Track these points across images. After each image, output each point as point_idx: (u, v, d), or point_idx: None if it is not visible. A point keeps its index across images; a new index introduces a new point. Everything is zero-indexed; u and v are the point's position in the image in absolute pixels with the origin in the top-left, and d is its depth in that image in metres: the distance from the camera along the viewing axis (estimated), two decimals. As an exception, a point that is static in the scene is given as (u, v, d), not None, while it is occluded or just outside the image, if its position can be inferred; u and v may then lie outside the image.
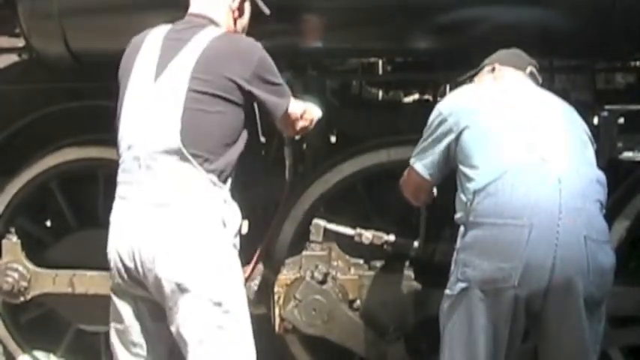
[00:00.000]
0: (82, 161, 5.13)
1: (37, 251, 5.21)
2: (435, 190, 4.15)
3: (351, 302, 4.76)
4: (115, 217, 3.72)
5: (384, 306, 4.70)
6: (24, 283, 5.08)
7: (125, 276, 3.64)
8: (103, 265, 4.93)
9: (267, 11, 4.04)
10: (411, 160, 3.94)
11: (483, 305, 3.48)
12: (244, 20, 3.96)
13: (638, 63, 5.03)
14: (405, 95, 5.81)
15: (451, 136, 3.72)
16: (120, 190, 3.72)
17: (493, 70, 4.02)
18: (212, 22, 3.79)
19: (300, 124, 3.95)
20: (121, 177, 3.73)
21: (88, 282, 5.03)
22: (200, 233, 3.55)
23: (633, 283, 4.65)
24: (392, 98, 5.92)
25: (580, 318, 3.49)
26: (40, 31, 4.68)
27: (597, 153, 4.28)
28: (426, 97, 5.53)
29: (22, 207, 5.27)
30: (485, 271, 3.45)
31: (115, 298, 3.77)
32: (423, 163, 3.88)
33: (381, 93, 5.92)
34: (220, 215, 3.60)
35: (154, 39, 3.75)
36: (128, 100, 3.70)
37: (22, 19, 4.67)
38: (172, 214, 3.52)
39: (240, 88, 3.60)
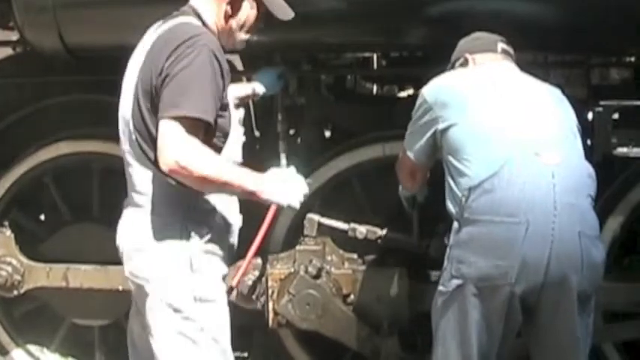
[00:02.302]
0: (76, 155, 5.12)
1: (30, 245, 5.20)
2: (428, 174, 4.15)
3: (345, 297, 4.76)
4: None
5: (378, 301, 4.69)
6: (18, 277, 5.08)
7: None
8: (97, 259, 5.01)
9: (284, 16, 3.68)
10: (404, 143, 3.97)
11: (478, 302, 3.48)
12: (240, 19, 3.56)
13: (633, 58, 5.03)
14: (400, 90, 5.81)
15: (436, 127, 3.70)
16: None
17: (466, 62, 3.98)
18: (196, 14, 3.49)
19: (170, 159, 3.19)
20: None
21: (82, 276, 5.03)
22: (162, 235, 3.38)
23: (627, 279, 4.66)
24: (387, 93, 5.91)
25: (573, 313, 3.50)
26: (34, 25, 4.67)
27: (592, 148, 4.30)
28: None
29: (16, 201, 5.27)
30: (481, 268, 3.45)
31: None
32: (412, 148, 3.89)
33: (375, 87, 5.92)
34: (182, 221, 3.38)
35: (154, 28, 3.54)
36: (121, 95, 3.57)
37: (16, 12, 4.65)
38: (141, 214, 3.42)
39: (159, 82, 3.28)
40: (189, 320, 3.37)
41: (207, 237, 3.42)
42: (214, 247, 3.47)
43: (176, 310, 3.37)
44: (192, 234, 3.38)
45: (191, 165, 3.15)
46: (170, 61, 3.22)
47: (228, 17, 3.53)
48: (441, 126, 3.68)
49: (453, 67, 4.03)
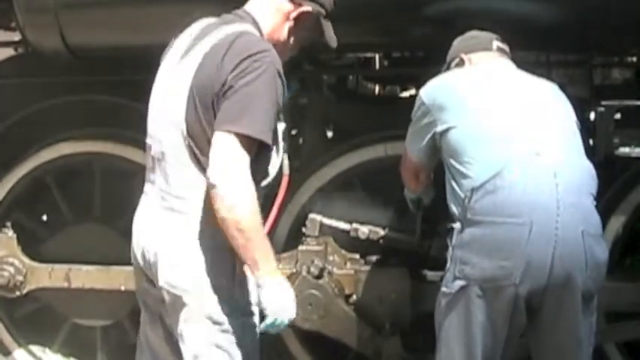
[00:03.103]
0: (78, 155, 5.12)
1: (32, 246, 5.20)
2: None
3: (347, 297, 4.76)
4: (136, 216, 3.53)
5: (381, 301, 4.69)
6: (20, 278, 5.07)
7: (143, 276, 3.48)
8: (99, 259, 5.01)
9: (333, 43, 3.60)
10: (405, 143, 3.98)
11: (482, 303, 3.46)
12: (300, 35, 3.51)
13: (635, 58, 5.03)
14: (402, 90, 5.80)
15: (435, 129, 3.69)
16: (145, 188, 3.50)
17: (462, 62, 3.96)
18: (254, 22, 3.39)
19: (216, 174, 3.11)
20: (146, 174, 3.51)
21: (84, 276, 5.02)
22: (205, 245, 3.27)
23: (629, 279, 4.65)
24: (389, 93, 5.91)
25: (576, 312, 3.49)
26: (36, 25, 4.66)
27: (593, 148, 4.30)
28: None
29: (18, 201, 5.26)
30: (485, 269, 3.44)
31: (139, 296, 3.59)
32: (413, 149, 3.90)
33: (377, 88, 5.92)
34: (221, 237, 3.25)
35: (190, 31, 3.43)
36: (153, 95, 3.45)
37: (17, 13, 4.65)
38: (181, 221, 3.28)
39: (221, 93, 3.19)
40: (227, 333, 3.29)
41: None
42: None
43: (215, 322, 3.27)
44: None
45: (233, 189, 3.08)
46: (235, 73, 3.14)
47: (290, 33, 3.47)
48: (439, 128, 3.67)
49: (448, 68, 4.02)
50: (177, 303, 3.30)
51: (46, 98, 5.20)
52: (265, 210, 3.36)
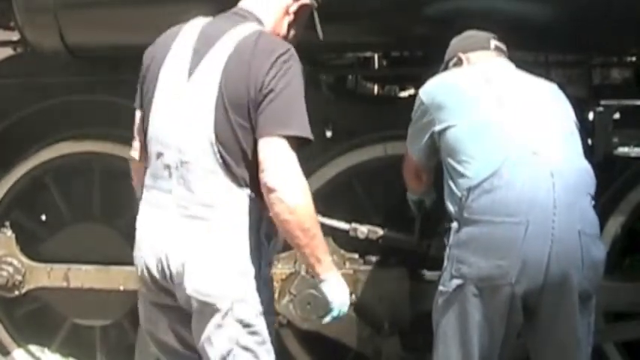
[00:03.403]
0: (77, 155, 5.12)
1: (31, 245, 5.20)
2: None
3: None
4: (142, 225, 3.43)
5: (380, 301, 4.69)
6: (19, 277, 5.07)
7: (153, 286, 3.40)
8: (98, 259, 5.01)
9: (320, 35, 3.68)
10: (406, 143, 3.98)
11: (479, 302, 3.47)
12: (298, 29, 3.57)
13: (634, 58, 5.03)
14: (401, 90, 5.80)
15: (434, 129, 3.69)
16: (149, 196, 3.41)
17: (460, 61, 3.97)
18: (257, 19, 3.41)
19: (279, 180, 3.15)
20: (149, 181, 3.41)
21: (83, 276, 5.02)
22: (233, 249, 3.26)
23: (628, 279, 4.65)
24: (388, 93, 5.91)
25: (574, 312, 3.49)
26: (35, 25, 4.67)
27: (592, 148, 4.30)
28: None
29: (17, 201, 5.27)
30: (481, 268, 3.44)
31: (145, 304, 3.52)
32: (414, 149, 3.91)
33: (376, 87, 5.92)
34: (256, 233, 3.29)
35: (189, 33, 3.38)
36: (158, 100, 3.35)
37: (17, 12, 4.65)
38: (207, 228, 3.24)
39: (260, 95, 3.18)
40: (256, 334, 3.30)
41: (272, 247, 3.39)
42: (273, 258, 3.48)
43: (245, 325, 3.28)
44: (264, 245, 3.33)
45: (293, 190, 3.15)
46: (271, 75, 3.17)
47: (290, 27, 3.52)
48: (438, 128, 3.68)
49: (446, 67, 4.02)
50: (207, 310, 3.26)
51: (46, 98, 5.20)
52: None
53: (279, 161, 3.15)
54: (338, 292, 3.32)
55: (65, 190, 5.25)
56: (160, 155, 3.33)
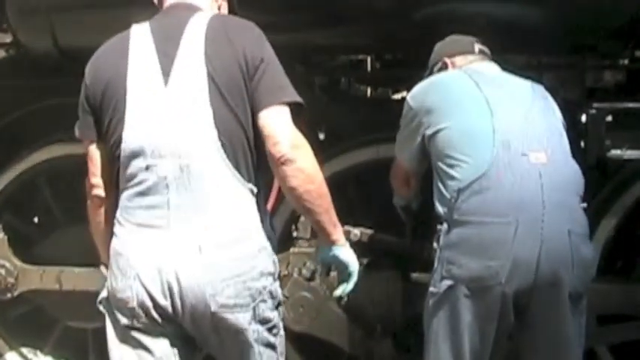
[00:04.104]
0: (69, 157, 5.10)
1: (24, 248, 5.19)
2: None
3: (338, 299, 4.76)
4: (130, 251, 3.13)
5: (372, 303, 4.69)
6: (11, 280, 5.07)
7: (145, 317, 3.13)
8: (90, 261, 4.99)
9: None
10: (395, 151, 3.99)
11: (469, 303, 3.48)
12: (225, 12, 3.49)
13: (627, 61, 5.04)
14: (394, 92, 5.80)
15: (424, 132, 3.70)
16: (133, 219, 3.13)
17: (445, 66, 3.98)
18: (199, 9, 3.28)
19: (290, 145, 3.05)
20: (130, 202, 3.14)
21: (75, 279, 5.02)
22: (252, 252, 3.12)
23: (620, 281, 4.66)
24: (380, 95, 5.91)
25: (565, 312, 3.51)
26: (27, 27, 4.67)
27: (585, 151, 4.30)
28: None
29: (10, 203, 5.26)
30: (472, 269, 3.45)
31: (129, 340, 3.26)
32: (404, 155, 3.92)
33: (369, 90, 5.92)
34: (268, 227, 3.21)
35: (140, 40, 3.20)
36: (134, 115, 3.10)
37: (9, 15, 4.65)
38: (220, 235, 3.06)
39: (252, 67, 3.08)
40: (275, 328, 3.25)
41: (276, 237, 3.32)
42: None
43: (265, 322, 3.19)
44: (273, 239, 3.23)
45: (309, 158, 3.10)
46: (257, 45, 3.13)
47: (220, 10, 3.46)
48: (428, 131, 3.68)
49: (431, 72, 4.02)
50: (231, 320, 3.12)
51: (38, 100, 5.19)
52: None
53: (290, 130, 3.07)
54: (353, 256, 3.34)
55: (58, 193, 5.24)
56: (150, 168, 3.09)
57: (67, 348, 5.45)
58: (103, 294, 3.32)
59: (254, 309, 3.15)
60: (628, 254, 4.81)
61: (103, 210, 3.34)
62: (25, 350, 5.42)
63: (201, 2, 3.35)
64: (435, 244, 3.67)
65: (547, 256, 3.41)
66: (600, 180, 4.54)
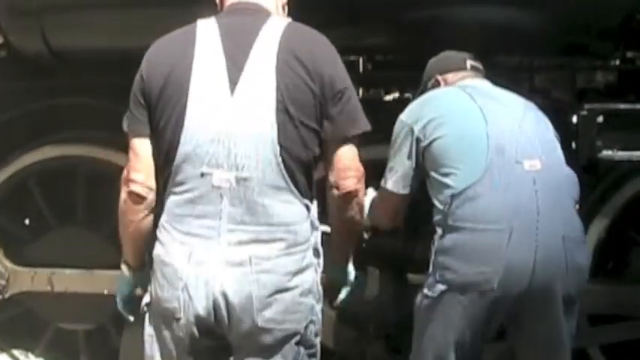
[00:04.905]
0: (61, 159, 5.09)
1: (15, 249, 5.17)
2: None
3: (330, 301, 4.75)
4: (182, 259, 3.03)
5: (364, 305, 4.69)
6: (2, 282, 5.04)
7: (198, 326, 3.03)
8: (82, 263, 4.99)
9: None
10: (381, 185, 3.81)
11: (462, 308, 3.47)
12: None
13: (618, 62, 5.05)
14: (386, 93, 5.80)
15: (421, 144, 3.63)
16: (182, 227, 3.04)
17: (438, 83, 3.95)
18: (267, 11, 3.16)
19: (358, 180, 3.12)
20: (180, 210, 3.04)
21: (66, 280, 4.99)
22: (303, 269, 3.07)
23: (612, 282, 4.67)
24: (372, 96, 5.91)
25: (558, 317, 3.51)
26: (18, 28, 4.66)
27: (576, 152, 4.31)
28: (407, 95, 5.52)
29: (1, 205, 5.24)
30: (465, 275, 3.45)
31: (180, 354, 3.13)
32: (393, 180, 3.75)
33: (361, 91, 5.91)
34: (314, 245, 3.15)
35: (208, 39, 3.06)
36: (196, 117, 2.99)
37: (0, 16, 4.63)
38: (272, 250, 2.99)
39: (330, 91, 3.02)
40: (314, 356, 3.20)
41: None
42: None
43: (309, 347, 3.15)
44: (319, 257, 3.19)
45: (363, 191, 3.21)
46: (338, 69, 3.08)
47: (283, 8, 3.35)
48: (424, 143, 3.62)
49: (424, 89, 4.00)
50: (279, 338, 3.05)
51: (29, 102, 5.17)
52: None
53: (358, 165, 3.12)
54: (353, 270, 3.49)
55: (49, 194, 5.22)
56: (205, 176, 2.99)
57: (58, 350, 5.42)
58: (146, 299, 3.22)
59: (305, 328, 3.09)
60: (619, 255, 4.82)
61: (139, 209, 3.13)
62: (16, 352, 5.40)
63: (267, 2, 3.21)
64: (430, 249, 3.66)
65: (542, 262, 3.41)
66: (591, 181, 4.55)
